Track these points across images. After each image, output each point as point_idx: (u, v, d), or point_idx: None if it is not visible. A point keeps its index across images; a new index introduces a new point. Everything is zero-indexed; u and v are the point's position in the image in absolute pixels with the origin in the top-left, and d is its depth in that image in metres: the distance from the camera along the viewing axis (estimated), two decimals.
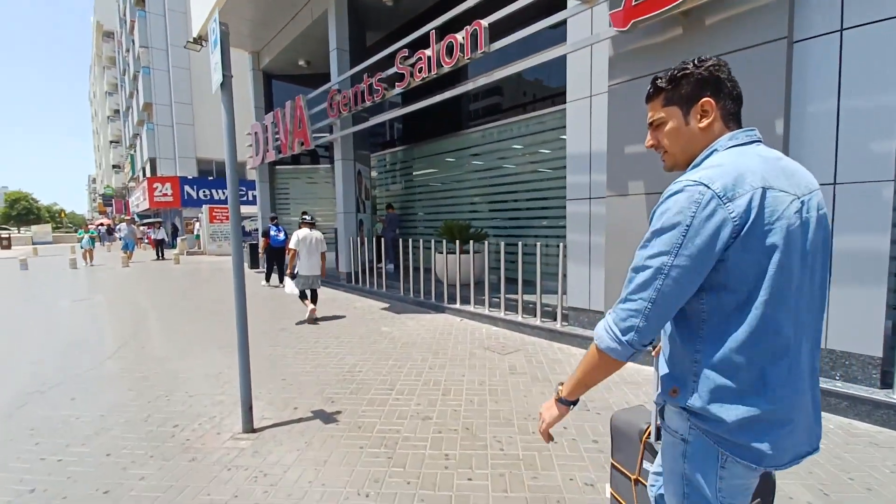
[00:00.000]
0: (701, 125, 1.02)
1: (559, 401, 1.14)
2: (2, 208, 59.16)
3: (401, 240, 8.71)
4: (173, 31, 24.72)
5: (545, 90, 7.41)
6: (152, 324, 6.61)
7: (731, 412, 0.92)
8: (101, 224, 34.76)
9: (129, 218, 18.85)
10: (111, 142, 56.55)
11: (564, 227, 6.86)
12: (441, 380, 4.04)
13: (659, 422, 1.26)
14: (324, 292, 9.03)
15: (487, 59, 6.02)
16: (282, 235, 9.94)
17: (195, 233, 22.80)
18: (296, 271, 6.52)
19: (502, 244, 6.08)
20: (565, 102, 5.37)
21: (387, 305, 7.62)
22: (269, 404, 3.57)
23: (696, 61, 1.03)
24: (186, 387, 4.00)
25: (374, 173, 12.66)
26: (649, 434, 1.55)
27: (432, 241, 7.34)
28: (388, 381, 4.04)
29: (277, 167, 14.34)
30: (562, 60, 5.26)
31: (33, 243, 31.79)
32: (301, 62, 12.64)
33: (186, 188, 25.07)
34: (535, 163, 7.54)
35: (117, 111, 51.58)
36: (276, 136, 11.37)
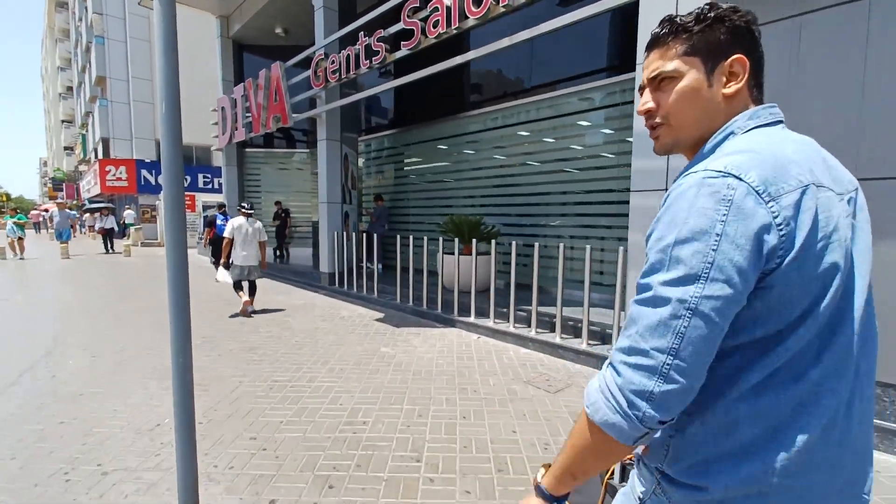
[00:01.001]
0: (726, 91, 0.75)
1: (539, 491, 0.82)
2: None
3: (393, 237, 7.40)
4: None
5: (592, 59, 6.22)
6: (77, 336, 5.07)
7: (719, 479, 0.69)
8: (46, 209, 31.60)
9: (60, 202, 16.06)
10: (63, 121, 52.23)
11: (610, 226, 5.87)
12: (485, 439, 2.81)
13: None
14: (301, 296, 7.65)
15: (520, 15, 4.80)
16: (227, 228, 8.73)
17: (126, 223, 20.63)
18: (231, 261, 6.37)
19: (536, 245, 4.89)
20: (615, 74, 4.22)
21: (380, 315, 6.31)
22: (228, 492, 2.25)
23: (728, 6, 0.76)
24: (101, 452, 2.61)
25: (358, 160, 11.25)
26: (612, 474, 1.18)
27: (440, 240, 6.07)
28: (409, 442, 2.77)
29: (247, 150, 12.70)
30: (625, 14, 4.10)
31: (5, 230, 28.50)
32: (278, 30, 11.05)
33: (143, 172, 22.73)
34: (578, 147, 6.36)
35: (70, 88, 47.60)
36: (247, 112, 9.81)
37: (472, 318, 5.50)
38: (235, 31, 11.65)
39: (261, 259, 6.63)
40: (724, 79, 0.76)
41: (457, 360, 4.34)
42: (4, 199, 48.29)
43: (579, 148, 6.30)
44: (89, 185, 28.08)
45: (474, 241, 5.58)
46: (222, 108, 10.89)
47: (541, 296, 4.93)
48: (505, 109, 7.28)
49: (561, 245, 4.62)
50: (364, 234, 8.22)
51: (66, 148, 51.70)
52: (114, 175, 22.54)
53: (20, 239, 13.48)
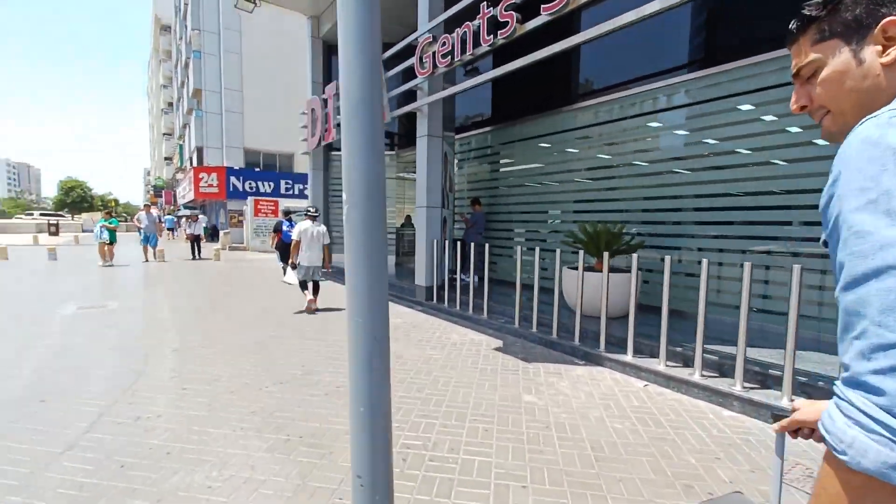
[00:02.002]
0: (884, 60, 0.67)
1: None
2: (57, 195, 61.64)
3: (487, 245, 6.32)
4: (226, 11, 23.54)
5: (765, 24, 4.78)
6: (166, 357, 4.48)
7: None
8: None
9: (147, 205, 14.72)
10: (164, 134, 57.58)
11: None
12: None
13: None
14: (396, 312, 6.80)
15: None
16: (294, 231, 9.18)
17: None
18: (297, 262, 6.79)
19: (705, 262, 3.59)
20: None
21: (498, 343, 5.21)
22: None
23: None
24: None
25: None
26: None
27: (557, 252, 4.88)
28: None
29: (333, 153, 12.30)
30: None
31: (83, 230, 31.76)
32: None
33: (232, 179, 23.78)
34: (744, 139, 4.92)
35: (170, 104, 52.30)
36: (339, 114, 9.30)
37: (628, 357, 4.24)
38: (325, 31, 11.32)
39: (325, 260, 7.02)
40: (881, 47, 0.67)
41: (640, 426, 3.11)
42: (113, 204, 53.93)
43: (746, 139, 4.82)
44: (184, 192, 30.14)
45: (606, 254, 4.34)
46: (312, 110, 10.52)
47: (710, 328, 3.56)
48: (632, 97, 5.96)
49: (746, 265, 3.27)
50: (458, 243, 7.22)
51: (165, 158, 56.86)
52: (206, 182, 23.78)
53: (109, 244, 11.98)
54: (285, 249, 9.51)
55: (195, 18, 24.54)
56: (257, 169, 25.06)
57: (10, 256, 13.72)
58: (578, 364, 4.46)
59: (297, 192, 25.95)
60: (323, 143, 10.24)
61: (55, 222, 26.88)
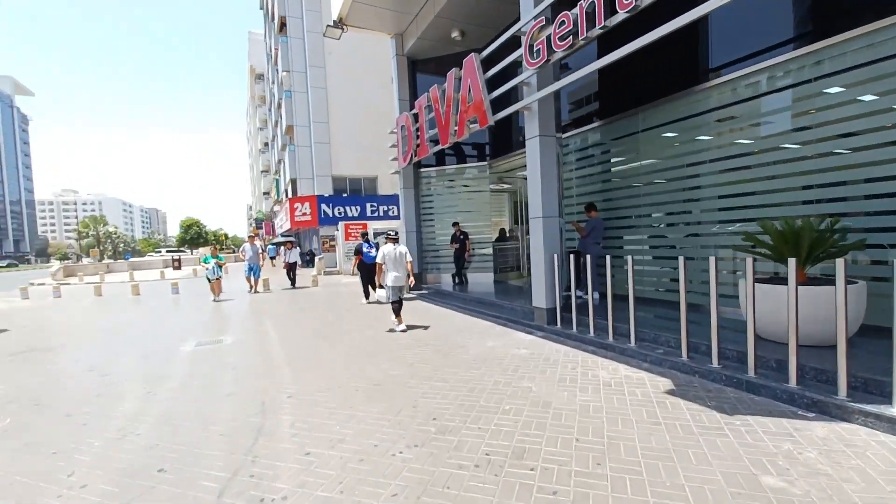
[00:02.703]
0: None
1: None
2: (179, 234, 70.47)
3: (608, 257, 5.21)
4: (312, 50, 25.05)
5: None
6: (285, 407, 4.01)
7: None
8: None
9: (251, 236, 14.98)
10: (262, 171, 63.34)
11: None
12: None
13: None
14: (516, 340, 5.89)
15: None
16: (374, 252, 9.60)
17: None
18: (384, 282, 6.97)
19: None
20: None
21: (667, 383, 4.07)
22: None
23: None
24: None
25: None
26: None
27: (712, 261, 3.63)
28: None
29: (422, 170, 11.91)
30: None
31: (201, 263, 35.35)
32: (454, 34, 10.00)
33: (323, 206, 24.88)
34: None
35: (266, 144, 57.43)
36: (430, 129, 8.81)
37: (892, 409, 2.91)
38: (410, 47, 11.05)
39: (409, 277, 7.08)
40: None
41: None
42: (224, 238, 60.00)
43: None
44: (281, 222, 32.33)
45: (815, 258, 3.03)
46: (402, 127, 10.20)
47: None
48: (797, 59, 4.54)
49: None
50: (571, 255, 6.18)
51: (264, 193, 62.33)
52: (300, 211, 25.12)
53: (218, 280, 11.96)
54: (366, 271, 10.04)
55: (285, 61, 26.45)
56: (345, 194, 26.01)
57: (142, 291, 15.19)
58: (808, 418, 3.19)
59: (381, 213, 26.47)
60: (415, 160, 9.82)
61: (178, 258, 30.17)
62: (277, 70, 30.51)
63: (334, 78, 25.61)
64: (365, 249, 10.09)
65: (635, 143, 7.05)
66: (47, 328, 8.81)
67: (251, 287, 13.50)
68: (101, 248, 70.95)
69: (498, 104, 6.92)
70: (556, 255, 6.05)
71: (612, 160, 7.60)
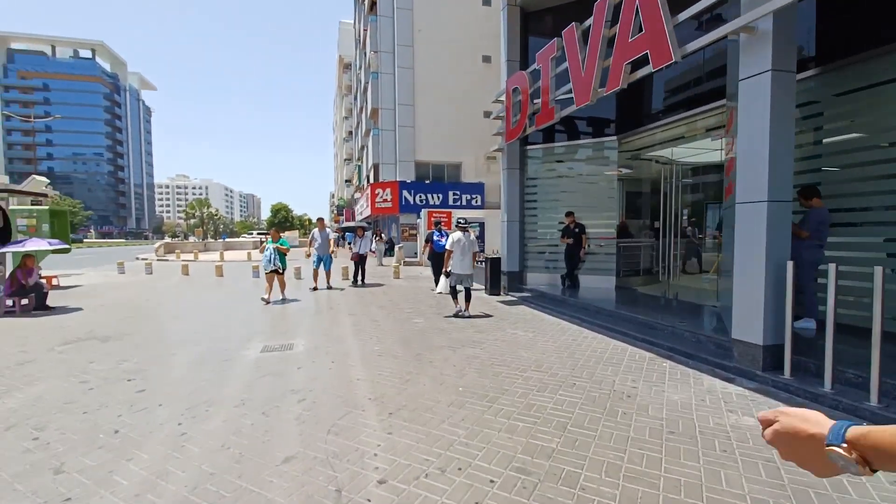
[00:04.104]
0: None
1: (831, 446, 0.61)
2: (269, 217, 74.98)
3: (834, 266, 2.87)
4: (400, 29, 23.87)
5: None
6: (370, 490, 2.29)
7: None
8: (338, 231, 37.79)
9: (321, 219, 11.64)
10: (345, 160, 64.93)
11: None
12: None
13: None
14: (720, 397, 3.69)
15: None
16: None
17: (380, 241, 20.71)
18: (450, 269, 7.15)
19: None
20: None
21: None
22: None
23: None
24: None
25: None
26: None
27: None
28: None
29: (530, 147, 9.88)
30: None
31: (289, 247, 36.41)
32: None
33: (404, 193, 23.78)
34: None
35: (351, 133, 58.53)
36: (555, 90, 6.76)
37: None
38: None
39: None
40: None
41: None
42: (308, 223, 62.38)
43: None
44: (362, 209, 32.03)
45: None
46: (514, 90, 8.24)
47: None
48: None
49: None
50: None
51: (346, 181, 63.87)
52: (381, 197, 24.25)
53: (277, 273, 8.78)
54: (437, 260, 9.74)
55: (373, 41, 25.60)
56: (427, 181, 24.69)
57: (226, 272, 14.92)
58: None
59: (464, 202, 24.84)
60: (530, 130, 7.83)
61: (264, 240, 31.03)
62: (365, 53, 29.94)
63: (422, 58, 24.25)
64: (435, 238, 10.13)
65: (875, 101, 4.45)
66: (120, 310, 8.18)
67: (315, 282, 10.73)
68: (205, 227, 77.88)
69: (682, 37, 4.70)
70: (789, 265, 3.77)
71: (834, 125, 5.03)
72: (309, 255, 10.79)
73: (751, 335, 4.03)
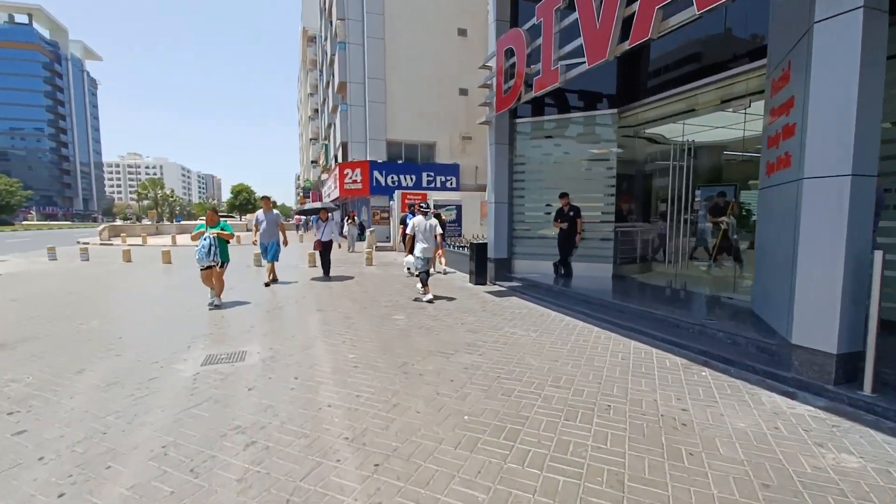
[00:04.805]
0: None
1: None
2: (229, 199, 71.02)
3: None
4: None
5: None
6: None
7: None
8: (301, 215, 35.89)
9: (266, 198, 9.05)
10: (311, 139, 62.02)
11: None
12: None
13: None
14: (795, 422, 2.89)
15: None
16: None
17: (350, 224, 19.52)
18: (414, 254, 7.28)
19: None
20: None
21: None
22: None
23: None
24: None
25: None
26: None
27: None
28: None
29: (519, 120, 8.92)
30: None
31: (247, 230, 34.29)
32: None
33: (375, 173, 22.39)
34: None
35: (316, 111, 55.73)
36: (561, 41, 5.79)
37: None
38: None
39: (438, 249, 7.56)
40: None
41: None
42: (272, 205, 59.20)
43: None
44: (329, 191, 30.31)
45: None
46: (506, 52, 7.20)
47: None
48: None
49: None
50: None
51: (312, 161, 61.13)
52: (350, 178, 22.79)
53: (219, 267, 6.51)
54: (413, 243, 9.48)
55: (340, 8, 23.70)
56: (399, 161, 23.38)
57: (175, 258, 13.34)
58: None
59: (438, 184, 23.74)
60: (526, 97, 6.84)
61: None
62: (331, 22, 27.87)
63: (393, 29, 22.64)
64: (409, 221, 9.46)
65: None
66: (34, 306, 6.75)
67: (268, 276, 8.90)
68: (159, 209, 73.06)
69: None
70: (877, 255, 3.02)
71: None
72: (255, 242, 8.83)
73: (820, 341, 3.28)
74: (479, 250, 8.73)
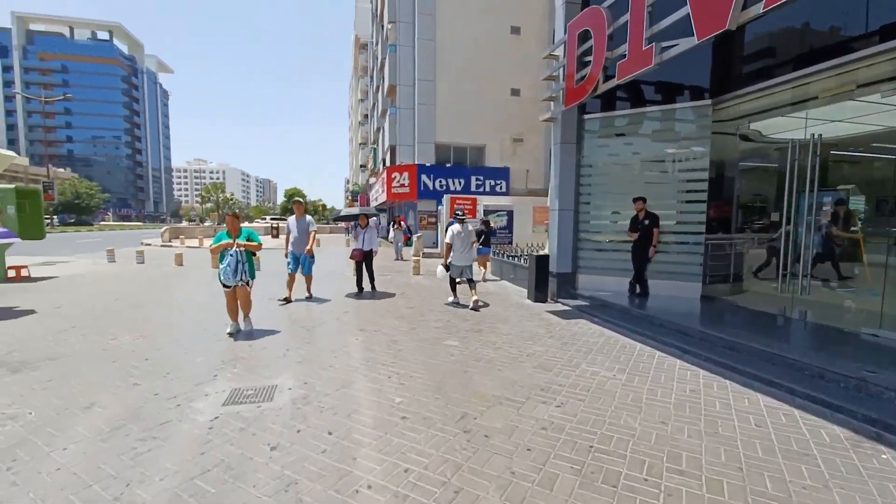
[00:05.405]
0: None
1: None
2: (282, 202, 73.71)
3: None
4: None
5: None
6: None
7: None
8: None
9: (298, 202, 8.10)
10: (360, 144, 63.08)
11: None
12: None
13: None
14: None
15: None
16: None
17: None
18: (450, 262, 7.27)
19: None
20: None
21: None
22: None
23: None
24: None
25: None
26: None
27: None
28: None
29: (587, 116, 7.86)
30: None
31: (270, 235, 34.94)
32: None
33: (423, 177, 21.82)
34: None
35: (366, 116, 56.55)
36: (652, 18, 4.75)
37: None
38: None
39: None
40: None
41: None
42: (322, 209, 61.02)
43: None
44: (377, 194, 30.22)
45: None
46: (580, 34, 6.21)
47: None
48: None
49: None
50: None
51: (361, 166, 62.11)
52: (398, 181, 22.38)
53: (238, 290, 5.38)
54: None
55: (391, 10, 23.44)
56: (448, 165, 22.69)
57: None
58: None
59: (487, 188, 22.84)
60: (606, 86, 5.80)
61: (276, 226, 29.56)
62: (383, 26, 27.77)
63: (444, 29, 22.03)
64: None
65: None
66: (73, 316, 6.53)
67: (290, 293, 7.52)
68: (220, 211, 77.22)
69: None
70: None
71: None
72: (287, 254, 7.66)
73: None
74: (540, 263, 7.74)
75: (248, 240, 5.46)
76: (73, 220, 60.14)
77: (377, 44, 33.30)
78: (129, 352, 4.71)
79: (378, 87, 33.21)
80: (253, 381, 3.89)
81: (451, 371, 4.22)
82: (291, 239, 7.61)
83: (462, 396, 3.61)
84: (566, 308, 7.20)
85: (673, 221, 7.28)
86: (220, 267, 5.35)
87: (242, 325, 5.58)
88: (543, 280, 7.77)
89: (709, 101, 6.74)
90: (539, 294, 7.73)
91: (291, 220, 7.69)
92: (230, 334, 5.38)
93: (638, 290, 7.19)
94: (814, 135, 5.57)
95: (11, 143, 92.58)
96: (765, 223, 7.22)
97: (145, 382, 3.84)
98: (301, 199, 7.96)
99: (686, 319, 5.64)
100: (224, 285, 5.36)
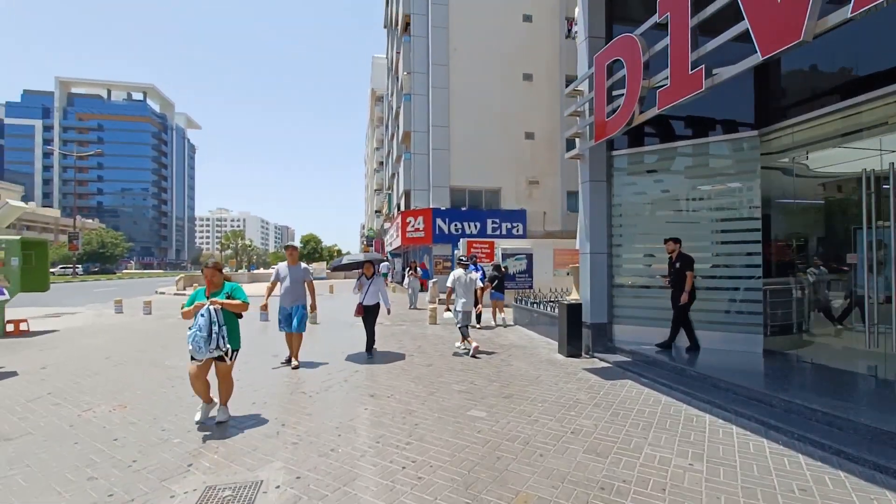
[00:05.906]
0: None
1: None
2: (300, 248, 74.74)
3: None
4: (435, 48, 22.22)
5: None
6: None
7: None
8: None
9: (291, 246, 6.62)
10: (375, 190, 64.22)
11: None
12: None
13: None
14: None
15: None
16: (475, 274, 7.89)
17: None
18: (454, 308, 7.28)
19: None
20: None
21: None
22: None
23: None
24: None
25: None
26: None
27: None
28: None
29: (615, 153, 7.31)
30: None
31: (314, 279, 34.66)
32: None
33: (438, 221, 21.46)
34: None
35: (381, 163, 57.89)
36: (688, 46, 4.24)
37: None
38: None
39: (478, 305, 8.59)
40: None
41: None
42: (337, 253, 61.19)
43: None
44: (391, 239, 29.96)
45: None
46: (611, 65, 5.75)
47: None
48: None
49: None
50: None
51: (376, 211, 62.88)
52: (413, 226, 22.06)
53: (215, 362, 4.06)
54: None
55: (406, 62, 24.11)
56: (463, 208, 22.36)
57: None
58: None
59: (504, 231, 22.33)
60: (641, 118, 5.24)
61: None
62: (398, 78, 28.64)
63: (458, 77, 22.45)
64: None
65: None
66: (58, 379, 5.91)
67: (292, 353, 6.35)
68: (239, 258, 78.38)
69: None
70: None
71: None
72: (265, 306, 6.54)
73: None
74: (571, 313, 6.92)
75: (228, 296, 4.16)
76: (97, 269, 61.37)
77: (392, 94, 34.33)
78: (98, 428, 4.00)
79: (393, 135, 33.88)
80: (234, 473, 3.12)
81: (481, 457, 3.38)
82: (282, 290, 6.28)
83: (497, 500, 2.77)
84: (606, 365, 6.31)
85: (710, 265, 6.51)
86: (189, 332, 3.92)
87: (217, 413, 4.17)
88: (576, 332, 6.93)
89: (755, 132, 6.12)
90: (572, 348, 6.87)
91: (282, 266, 6.39)
92: (198, 423, 4.05)
93: (689, 343, 6.28)
94: (893, 163, 4.83)
95: (46, 197, 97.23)
96: (830, 266, 6.35)
97: (103, 475, 3.10)
98: (294, 245, 6.79)
99: (756, 382, 4.72)
100: (195, 359, 3.90)
